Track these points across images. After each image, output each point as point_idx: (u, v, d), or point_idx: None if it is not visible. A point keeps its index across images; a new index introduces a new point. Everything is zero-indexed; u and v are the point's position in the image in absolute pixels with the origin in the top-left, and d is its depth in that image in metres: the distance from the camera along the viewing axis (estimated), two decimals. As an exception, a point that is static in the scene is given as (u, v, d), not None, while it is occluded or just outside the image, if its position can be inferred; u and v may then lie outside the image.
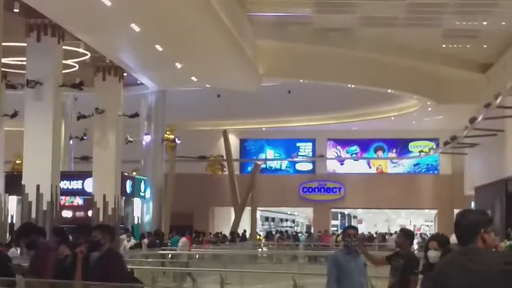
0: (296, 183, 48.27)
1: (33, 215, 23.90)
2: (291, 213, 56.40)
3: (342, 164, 49.68)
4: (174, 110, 35.89)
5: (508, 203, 31.80)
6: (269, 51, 32.98)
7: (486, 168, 35.29)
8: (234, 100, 38.79)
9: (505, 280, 4.06)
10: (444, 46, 32.99)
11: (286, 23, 31.21)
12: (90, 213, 30.43)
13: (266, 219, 53.58)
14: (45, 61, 23.89)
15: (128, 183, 33.05)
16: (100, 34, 25.32)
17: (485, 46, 32.58)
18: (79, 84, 25.65)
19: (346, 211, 54.27)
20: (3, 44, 19.95)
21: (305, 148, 49.41)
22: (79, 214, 32.59)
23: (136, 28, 23.75)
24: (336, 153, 49.48)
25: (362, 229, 46.00)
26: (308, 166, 49.50)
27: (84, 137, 32.85)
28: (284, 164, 49.80)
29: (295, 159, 48.96)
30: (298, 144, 49.22)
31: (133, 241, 27.98)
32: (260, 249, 39.27)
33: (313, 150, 49.23)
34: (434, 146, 45.77)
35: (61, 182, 26.12)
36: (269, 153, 49.80)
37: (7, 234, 25.96)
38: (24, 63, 24.57)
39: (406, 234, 10.04)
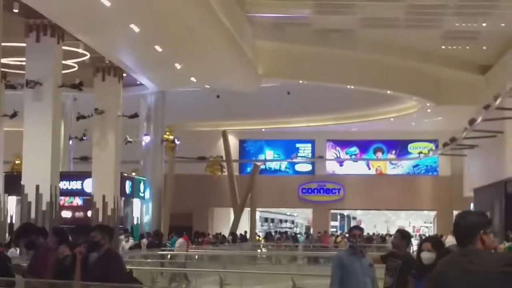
0: (295, 184, 48.27)
1: (33, 215, 23.91)
2: (290, 214, 56.40)
3: (341, 165, 49.67)
4: (173, 110, 35.90)
5: (507, 204, 31.82)
6: (268, 52, 32.98)
7: (485, 170, 35.31)
8: (234, 101, 38.79)
9: (504, 281, 4.08)
10: (443, 47, 33.00)
11: (285, 24, 31.21)
12: (89, 213, 30.42)
13: (266, 220, 53.58)
14: (44, 61, 23.90)
15: (128, 184, 33.05)
16: (99, 34, 25.33)
17: (484, 47, 32.60)
18: (78, 84, 25.63)
19: (346, 212, 54.27)
20: (3, 44, 19.96)
21: (305, 149, 49.40)
22: (79, 214, 32.58)
23: (136, 29, 23.77)
24: (336, 154, 49.48)
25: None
26: (307, 167, 49.50)
27: (84, 138, 32.85)
28: (284, 165, 49.80)
29: (294, 160, 48.96)
30: (297, 145, 49.21)
31: (131, 242, 27.97)
32: (259, 250, 39.23)
33: (313, 151, 49.23)
34: (434, 148, 45.79)
35: (61, 182, 26.12)
36: (269, 154, 49.78)
37: (7, 235, 25.96)
38: (24, 63, 24.57)
39: (403, 235, 9.99)
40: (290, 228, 55.48)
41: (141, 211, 35.03)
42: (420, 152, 45.52)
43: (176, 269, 24.15)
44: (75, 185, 31.56)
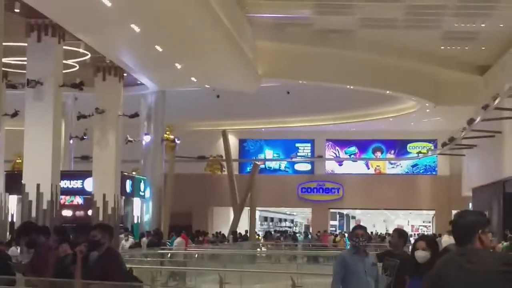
0: (295, 184, 48.34)
1: (33, 214, 23.96)
2: (290, 213, 56.46)
3: (340, 164, 49.74)
4: (173, 110, 35.95)
5: (505, 204, 31.88)
6: (268, 52, 33.01)
7: (483, 169, 35.36)
8: (234, 101, 38.84)
9: (503, 281, 4.00)
10: (442, 48, 33.04)
11: (285, 24, 31.24)
12: (90, 212, 30.50)
13: (265, 219, 53.64)
14: (45, 61, 23.94)
15: (128, 183, 33.12)
16: (100, 34, 25.38)
17: (483, 48, 32.62)
18: (79, 84, 25.69)
19: (345, 212, 54.32)
20: (4, 44, 20.03)
21: (304, 149, 49.47)
22: (79, 213, 32.66)
23: (136, 29, 23.82)
24: (335, 153, 49.56)
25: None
26: (306, 167, 49.57)
27: (84, 137, 32.91)
28: (283, 164, 49.87)
29: (294, 160, 49.03)
30: (297, 145, 49.27)
31: (131, 240, 28.05)
32: (259, 249, 39.29)
33: (312, 151, 49.30)
34: (432, 147, 45.86)
35: (61, 181, 26.18)
36: (268, 153, 49.85)
37: (7, 233, 26.06)
38: (25, 63, 24.63)
39: (400, 234, 10.08)
40: (289, 227, 55.54)
41: (141, 210, 35.11)
42: (419, 152, 45.59)
43: (176, 267, 24.21)
44: (75, 184, 31.61)
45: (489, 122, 29.64)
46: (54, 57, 24.32)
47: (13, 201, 29.61)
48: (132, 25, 23.56)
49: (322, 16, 29.66)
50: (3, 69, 26.45)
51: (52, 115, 24.18)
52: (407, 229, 45.71)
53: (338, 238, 39.40)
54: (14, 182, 26.10)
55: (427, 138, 46.95)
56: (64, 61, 25.76)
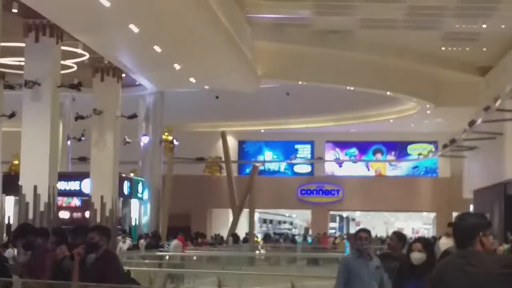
0: (294, 185, 48.19)
1: (30, 215, 23.83)
2: (289, 215, 56.34)
3: (340, 166, 49.62)
4: (172, 111, 35.82)
5: (506, 206, 31.75)
6: (268, 52, 32.92)
7: (485, 171, 35.26)
8: (233, 102, 38.72)
9: (503, 283, 4.08)
10: (443, 48, 32.96)
11: (285, 25, 31.15)
12: (87, 214, 30.33)
13: (264, 221, 53.52)
14: (43, 61, 23.78)
15: (126, 184, 32.98)
16: (98, 34, 25.25)
17: (484, 49, 32.55)
18: (77, 84, 25.57)
19: (345, 214, 54.21)
20: (2, 44, 19.88)
21: (304, 150, 49.35)
22: (77, 215, 32.44)
23: (135, 29, 23.69)
24: (335, 155, 49.43)
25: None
26: (306, 168, 49.45)
27: (82, 138, 32.79)
28: (283, 166, 49.75)
29: (293, 161, 48.91)
30: (296, 146, 49.16)
31: (128, 242, 27.89)
32: (258, 251, 39.14)
33: (312, 152, 49.18)
34: (433, 149, 45.75)
35: (59, 183, 26.02)
36: (268, 155, 49.73)
37: (4, 235, 25.91)
38: (22, 63, 24.50)
39: (399, 237, 10.08)
40: (289, 229, 55.41)
41: (140, 212, 34.96)
42: (420, 154, 45.47)
43: (174, 269, 24.07)
44: (73, 185, 31.45)
45: (490, 123, 29.51)
46: (52, 58, 24.16)
47: (10, 202, 29.46)
48: (131, 26, 23.44)
49: (321, 16, 29.58)
50: (1, 69, 26.43)
51: (49, 116, 24.02)
52: (408, 232, 45.67)
53: (337, 240, 39.26)
54: (11, 184, 25.94)
55: (428, 140, 46.85)
56: (62, 62, 25.61)
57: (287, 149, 49.00)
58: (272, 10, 29.29)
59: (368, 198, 46.98)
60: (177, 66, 29.83)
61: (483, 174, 35.66)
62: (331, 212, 50.38)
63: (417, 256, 8.02)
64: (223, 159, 45.31)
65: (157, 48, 26.60)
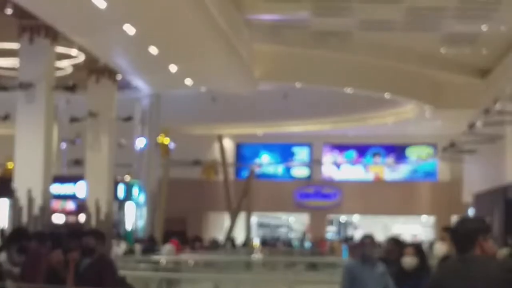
0: (292, 189, 48.00)
1: (24, 219, 23.63)
2: (287, 218, 56.03)
3: (338, 169, 49.44)
4: (168, 113, 35.63)
5: (507, 210, 31.51)
6: (265, 54, 32.77)
7: (485, 175, 35.09)
8: (230, 104, 38.53)
9: (503, 287, 4.11)
10: (443, 50, 32.79)
11: (283, 27, 30.94)
12: (82, 217, 30.12)
13: (261, 225, 53.24)
14: (37, 63, 23.68)
15: (121, 188, 32.76)
16: (94, 36, 25.08)
17: (484, 51, 32.39)
18: (72, 86, 25.43)
19: (343, 218, 53.95)
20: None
21: (301, 153, 49.18)
22: (71, 218, 32.28)
23: (131, 31, 23.48)
24: (333, 158, 49.23)
25: (359, 235, 45.63)
26: (304, 172, 49.26)
27: (76, 140, 32.61)
28: (280, 169, 49.55)
29: (291, 165, 48.71)
30: (294, 149, 48.98)
31: (123, 246, 27.60)
32: (255, 256, 38.89)
33: (310, 156, 49.00)
34: (433, 152, 45.58)
35: (53, 186, 25.86)
36: (265, 158, 49.54)
37: (-2, 239, 25.61)
38: (17, 64, 24.34)
39: (397, 242, 10.05)
40: (286, 233, 55.10)
41: (135, 216, 34.73)
42: (419, 157, 45.31)
43: (170, 273, 23.77)
44: (68, 189, 31.32)
45: (491, 126, 29.33)
46: (47, 59, 24.08)
47: (3, 206, 29.22)
48: (127, 27, 23.22)
49: (320, 18, 29.37)
50: (-6, 71, 26.18)
51: (44, 118, 23.91)
52: (406, 235, 45.40)
53: (335, 245, 39.03)
54: (4, 187, 25.74)
55: (427, 142, 46.71)
56: (57, 63, 25.44)
57: (285, 152, 48.83)
58: (270, 12, 29.10)
59: (367, 201, 46.78)
60: (173, 68, 29.65)
61: (483, 177, 35.47)
62: (330, 216, 50.10)
63: (408, 261, 8.14)
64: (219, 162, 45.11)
65: (153, 50, 26.44)
